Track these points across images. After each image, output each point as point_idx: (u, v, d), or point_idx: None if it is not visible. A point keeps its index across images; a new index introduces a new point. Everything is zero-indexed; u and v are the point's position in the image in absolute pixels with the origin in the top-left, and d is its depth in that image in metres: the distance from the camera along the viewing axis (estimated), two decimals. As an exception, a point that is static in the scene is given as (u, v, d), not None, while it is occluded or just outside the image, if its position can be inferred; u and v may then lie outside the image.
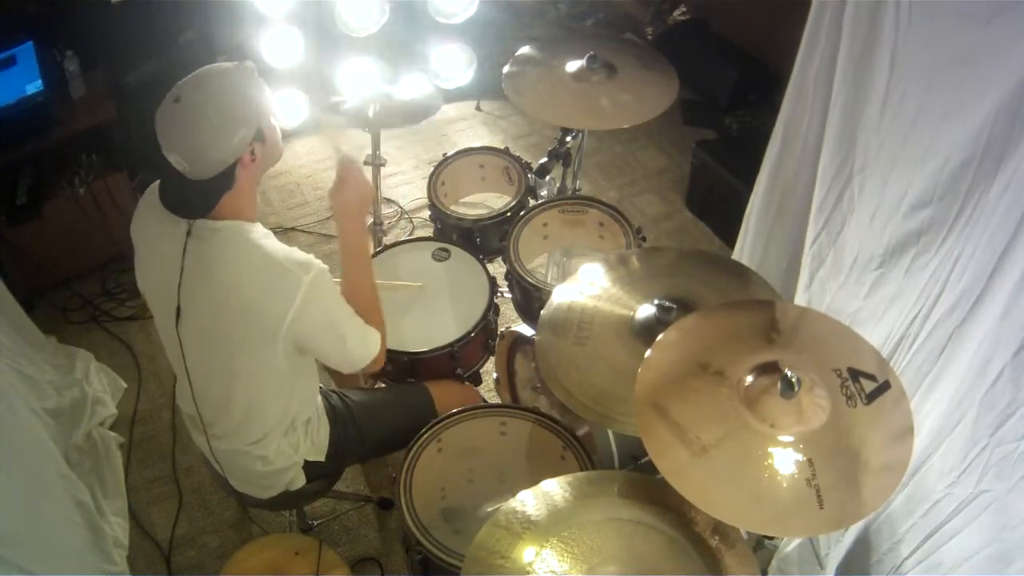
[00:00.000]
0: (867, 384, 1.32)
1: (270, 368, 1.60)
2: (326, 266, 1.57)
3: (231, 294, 1.51)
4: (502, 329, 2.29)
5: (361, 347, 1.66)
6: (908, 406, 1.34)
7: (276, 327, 1.52)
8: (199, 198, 1.50)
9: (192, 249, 1.52)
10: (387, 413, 2.01)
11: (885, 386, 1.31)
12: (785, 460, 1.26)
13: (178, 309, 1.56)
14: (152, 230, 1.60)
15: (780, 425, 1.28)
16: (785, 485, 1.24)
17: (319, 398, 1.85)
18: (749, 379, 1.34)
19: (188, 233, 1.52)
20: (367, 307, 1.69)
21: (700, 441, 1.29)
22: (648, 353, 1.43)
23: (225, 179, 1.49)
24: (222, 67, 1.51)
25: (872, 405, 1.31)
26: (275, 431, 1.72)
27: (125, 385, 2.77)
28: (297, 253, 1.55)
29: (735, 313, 1.56)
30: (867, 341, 1.44)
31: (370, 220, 1.79)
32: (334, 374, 2.32)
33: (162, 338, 1.70)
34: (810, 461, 1.25)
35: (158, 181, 1.60)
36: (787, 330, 1.50)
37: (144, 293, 1.70)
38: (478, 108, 3.99)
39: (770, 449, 1.26)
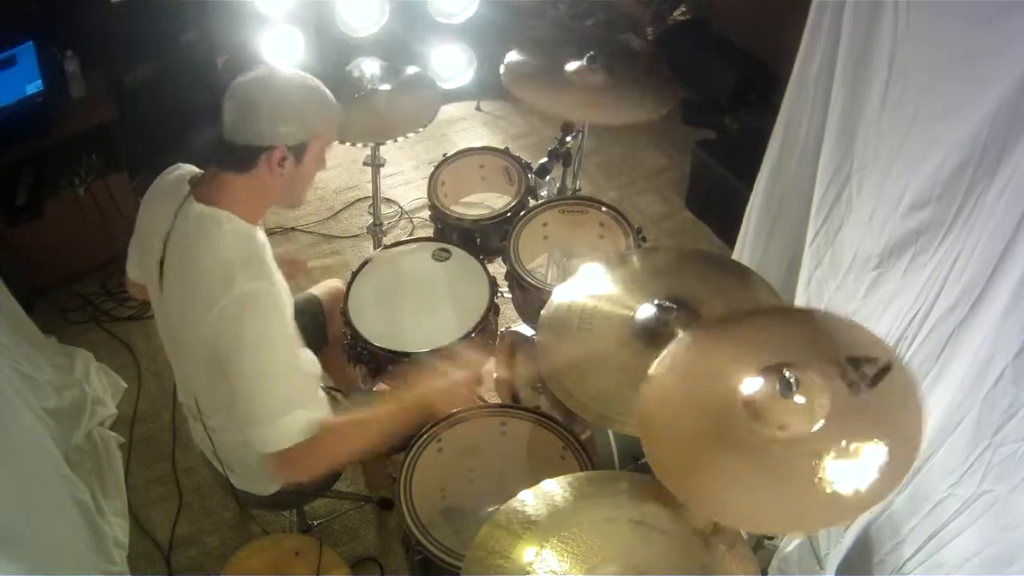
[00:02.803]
0: (868, 368, 1.29)
1: None
2: (274, 298, 1.50)
3: (190, 280, 1.52)
4: (502, 329, 2.29)
5: (267, 422, 1.48)
6: (914, 382, 1.29)
7: (204, 321, 1.49)
8: (220, 149, 1.52)
9: (182, 214, 1.55)
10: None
11: (887, 367, 1.27)
12: (795, 458, 1.24)
13: (161, 264, 1.56)
14: (156, 202, 1.64)
15: (786, 425, 1.27)
16: (796, 481, 1.22)
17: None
18: (748, 382, 1.33)
19: (185, 197, 1.55)
20: (343, 437, 1.61)
21: (708, 450, 1.29)
22: (649, 375, 1.42)
23: (245, 156, 1.50)
24: (323, 88, 1.58)
25: (878, 387, 1.27)
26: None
27: (125, 385, 2.77)
28: (254, 267, 1.50)
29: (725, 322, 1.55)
30: (863, 326, 1.41)
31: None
32: (332, 372, 2.32)
33: (157, 319, 1.70)
34: (818, 454, 1.24)
35: (174, 165, 1.66)
36: (783, 331, 1.50)
37: (133, 264, 1.73)
38: (478, 108, 3.99)
39: (781, 450, 1.25)
